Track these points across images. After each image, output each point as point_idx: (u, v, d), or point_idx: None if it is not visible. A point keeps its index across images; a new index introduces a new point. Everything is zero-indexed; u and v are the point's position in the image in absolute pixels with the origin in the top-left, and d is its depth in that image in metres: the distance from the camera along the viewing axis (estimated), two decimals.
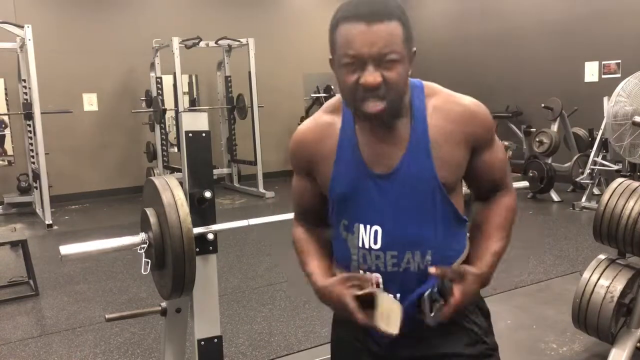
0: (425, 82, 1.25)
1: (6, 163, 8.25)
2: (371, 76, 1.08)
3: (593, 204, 5.90)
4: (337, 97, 1.27)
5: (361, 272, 1.24)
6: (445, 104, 1.22)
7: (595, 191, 6.49)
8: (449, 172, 1.20)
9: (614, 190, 2.68)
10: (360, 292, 1.16)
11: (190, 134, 1.94)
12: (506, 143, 7.54)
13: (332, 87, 9.75)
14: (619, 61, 7.45)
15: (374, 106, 1.11)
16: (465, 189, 1.36)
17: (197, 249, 1.87)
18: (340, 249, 1.30)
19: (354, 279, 1.19)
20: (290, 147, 1.39)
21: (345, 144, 1.24)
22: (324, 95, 9.64)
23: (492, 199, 1.33)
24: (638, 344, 2.65)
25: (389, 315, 1.15)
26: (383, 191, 1.21)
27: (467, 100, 1.24)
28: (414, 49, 1.15)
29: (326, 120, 1.29)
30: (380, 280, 1.21)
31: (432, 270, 1.17)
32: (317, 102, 9.74)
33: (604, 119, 5.68)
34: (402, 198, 1.20)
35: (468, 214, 1.34)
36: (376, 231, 1.22)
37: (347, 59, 1.10)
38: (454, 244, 1.27)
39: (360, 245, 1.23)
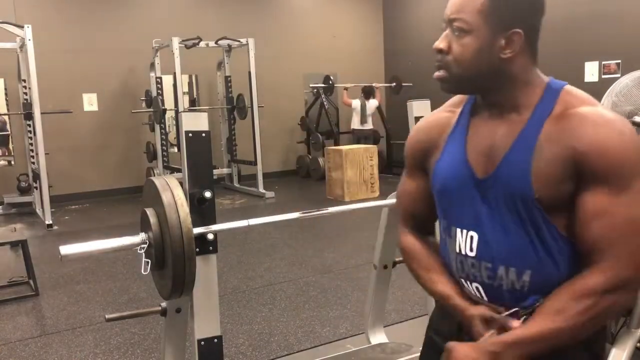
0: (570, 88, 1.10)
1: (6, 163, 8.25)
2: (439, 40, 1.09)
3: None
4: (460, 95, 1.23)
5: (462, 280, 1.16)
6: (574, 115, 1.03)
7: None
8: (546, 187, 1.02)
9: None
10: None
11: (190, 134, 1.94)
12: None
13: (331, 77, 9.69)
14: (619, 61, 7.45)
15: (435, 74, 1.11)
16: None
17: (197, 249, 1.86)
18: (444, 253, 1.22)
19: (495, 322, 1.08)
20: (406, 144, 1.30)
21: (455, 137, 1.17)
22: (323, 85, 9.59)
23: (581, 276, 1.03)
24: (638, 344, 2.65)
25: None
26: (481, 194, 1.11)
27: (601, 117, 1.02)
28: (515, 29, 1.04)
29: (445, 114, 1.23)
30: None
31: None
32: (317, 101, 9.75)
33: None
34: (499, 204, 1.08)
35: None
36: (472, 237, 1.12)
37: (442, 22, 1.12)
38: (559, 273, 1.07)
39: (458, 250, 1.15)
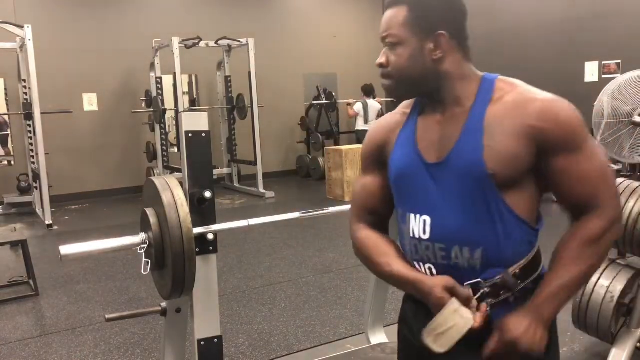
0: (502, 77, 1.23)
1: (6, 163, 8.25)
2: (380, 57, 1.23)
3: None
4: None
5: (416, 263, 1.24)
6: (515, 96, 1.16)
7: None
8: (500, 163, 1.12)
9: None
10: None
11: (190, 134, 1.94)
12: None
13: (333, 94, 9.78)
14: (619, 61, 7.45)
15: (382, 83, 1.25)
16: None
17: (197, 249, 1.86)
18: (400, 240, 1.30)
19: (459, 292, 1.14)
20: (363, 143, 1.40)
21: (406, 131, 1.28)
22: (326, 102, 9.66)
23: (578, 222, 1.17)
24: (638, 344, 2.65)
25: (448, 329, 1.10)
26: (433, 180, 1.20)
27: (543, 95, 1.16)
28: (440, 31, 1.17)
29: (397, 115, 1.34)
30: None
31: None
32: (316, 107, 9.77)
33: (603, 119, 5.68)
34: (450, 188, 1.17)
35: (538, 220, 1.21)
36: (425, 221, 1.21)
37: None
38: (511, 248, 1.17)
39: (412, 235, 1.23)
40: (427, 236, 1.20)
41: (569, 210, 1.19)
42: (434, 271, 1.21)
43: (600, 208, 1.14)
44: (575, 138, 1.13)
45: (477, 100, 1.18)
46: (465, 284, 1.16)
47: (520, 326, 1.12)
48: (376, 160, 1.34)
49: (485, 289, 1.15)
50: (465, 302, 1.13)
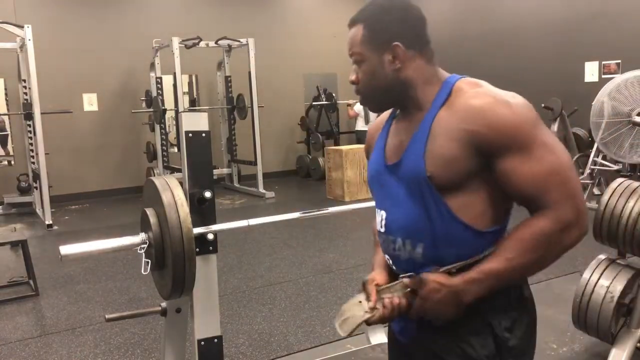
0: (466, 79, 1.23)
1: (6, 163, 8.25)
2: (351, 74, 1.29)
3: (593, 204, 5.89)
4: None
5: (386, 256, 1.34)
6: (464, 99, 1.17)
7: (595, 191, 6.49)
8: (437, 167, 1.16)
9: (614, 190, 2.68)
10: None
11: (190, 134, 1.94)
12: None
13: (334, 95, 9.80)
14: (619, 61, 7.45)
15: (360, 99, 1.31)
16: None
17: (197, 249, 1.86)
18: None
19: (365, 288, 1.28)
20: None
21: (382, 135, 1.37)
22: (326, 102, 9.68)
23: (528, 218, 1.17)
24: (638, 344, 2.65)
25: (348, 317, 1.25)
26: (389, 179, 1.29)
27: (486, 97, 1.15)
28: (394, 43, 1.20)
29: (384, 116, 1.43)
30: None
31: (404, 280, 1.23)
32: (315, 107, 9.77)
33: (604, 119, 5.69)
34: (400, 187, 1.25)
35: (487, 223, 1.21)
36: (382, 215, 1.31)
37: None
38: (453, 249, 1.20)
39: (378, 228, 1.35)
40: (383, 229, 1.31)
41: (528, 207, 1.18)
42: (390, 262, 1.33)
43: (550, 209, 1.12)
44: (516, 140, 1.11)
45: (433, 103, 1.22)
46: (401, 276, 1.24)
47: (432, 301, 1.18)
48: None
49: (405, 279, 1.22)
50: (369, 297, 1.25)
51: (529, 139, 1.12)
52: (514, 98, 1.15)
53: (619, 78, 5.70)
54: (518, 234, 1.15)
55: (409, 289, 1.21)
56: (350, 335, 1.27)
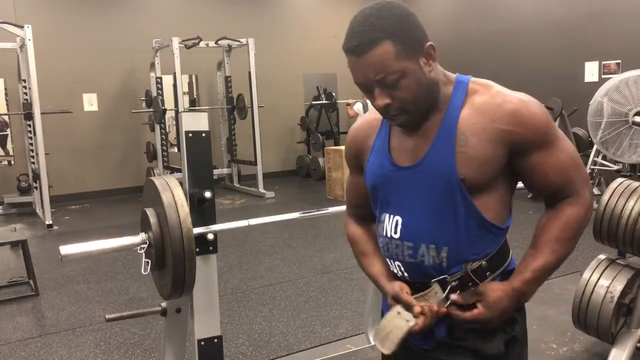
0: (475, 79, 1.23)
1: (6, 163, 8.25)
2: (379, 99, 1.17)
3: (593, 204, 5.90)
4: None
5: (387, 259, 1.31)
6: (486, 99, 1.18)
7: (595, 191, 6.49)
8: (471, 168, 1.15)
9: (614, 190, 2.68)
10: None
11: (190, 134, 1.94)
12: None
13: (333, 94, 9.80)
14: (619, 61, 7.45)
15: (396, 122, 1.21)
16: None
17: (197, 249, 1.87)
18: (379, 238, 1.36)
19: (401, 299, 1.22)
20: (345, 145, 1.46)
21: (380, 137, 1.31)
22: (325, 102, 9.67)
23: (555, 208, 1.23)
24: (638, 344, 2.65)
25: (391, 331, 1.19)
26: (406, 183, 1.24)
27: (513, 97, 1.17)
28: (428, 44, 1.16)
29: (373, 117, 1.35)
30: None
31: (453, 297, 1.20)
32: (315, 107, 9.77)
33: (603, 119, 5.69)
34: (422, 190, 1.21)
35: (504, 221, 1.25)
36: (397, 221, 1.26)
37: (357, 85, 1.21)
38: (476, 248, 1.21)
39: (385, 234, 1.29)
40: (397, 235, 1.25)
41: (546, 199, 1.25)
42: (402, 268, 1.27)
43: (576, 195, 1.21)
44: (546, 136, 1.17)
45: (451, 104, 1.20)
46: (432, 280, 1.22)
47: (498, 310, 1.18)
48: (355, 164, 1.41)
49: (453, 283, 1.21)
50: (408, 308, 1.20)
51: (553, 134, 1.19)
52: (530, 98, 1.19)
53: (616, 78, 5.72)
54: (556, 224, 1.21)
55: (444, 295, 1.20)
56: (393, 350, 1.20)
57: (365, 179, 1.34)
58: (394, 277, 1.30)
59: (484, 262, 1.21)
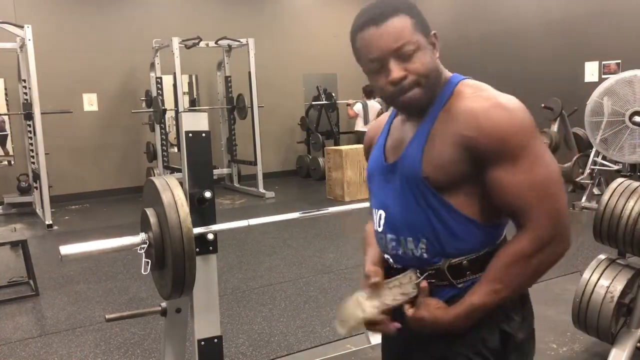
0: (467, 81, 1.22)
1: (6, 163, 8.25)
2: (395, 72, 1.15)
3: (593, 204, 5.91)
4: None
5: (386, 256, 1.33)
6: (465, 103, 1.15)
7: (595, 191, 6.49)
8: (434, 169, 1.17)
9: (614, 190, 2.68)
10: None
11: (190, 134, 1.94)
12: None
13: (333, 95, 9.80)
14: (619, 61, 7.45)
15: (410, 94, 1.17)
16: None
17: (197, 249, 1.86)
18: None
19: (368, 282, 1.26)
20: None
21: (383, 133, 1.36)
22: (325, 102, 9.68)
23: (510, 241, 1.17)
24: (638, 344, 2.65)
25: (345, 320, 1.26)
26: (388, 178, 1.29)
27: (482, 102, 1.13)
28: (433, 32, 1.19)
29: (385, 116, 1.42)
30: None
31: (422, 284, 1.23)
32: (316, 107, 9.77)
33: (604, 119, 5.69)
34: (400, 186, 1.25)
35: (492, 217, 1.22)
36: (381, 215, 1.30)
37: (372, 64, 1.18)
38: (459, 243, 1.20)
39: (375, 228, 1.34)
40: (381, 229, 1.30)
41: (513, 220, 1.18)
42: (391, 260, 1.31)
43: (530, 227, 1.12)
44: (509, 148, 1.09)
45: (434, 105, 1.20)
46: (431, 266, 1.24)
47: (421, 323, 1.20)
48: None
49: (431, 271, 1.23)
50: (372, 289, 1.24)
51: (520, 148, 1.09)
52: (512, 102, 1.13)
53: (613, 78, 5.72)
54: (501, 258, 1.15)
55: (417, 282, 1.23)
56: (347, 332, 1.29)
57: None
58: (387, 267, 1.33)
59: (465, 261, 1.20)
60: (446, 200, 1.18)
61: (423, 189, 1.20)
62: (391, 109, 1.37)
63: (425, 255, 1.23)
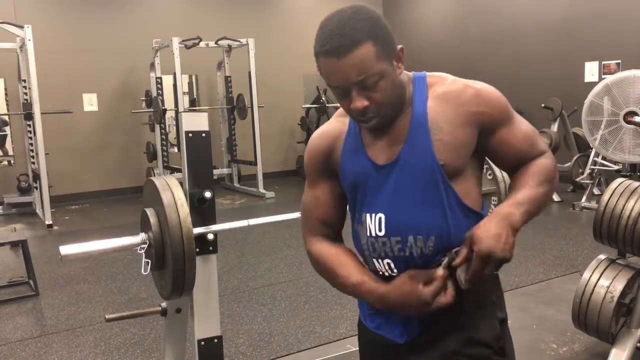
0: (430, 73, 1.28)
1: (6, 163, 8.25)
2: (358, 102, 1.17)
3: (593, 204, 5.91)
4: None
5: (374, 260, 1.29)
6: (447, 89, 1.24)
7: (595, 191, 6.49)
8: (449, 153, 1.20)
9: (614, 190, 2.68)
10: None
11: (190, 134, 1.95)
12: None
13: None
14: (619, 61, 7.45)
15: (370, 124, 1.22)
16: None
17: (197, 249, 1.87)
18: (356, 243, 1.35)
19: (420, 275, 1.20)
20: (305, 156, 1.41)
21: (351, 139, 1.31)
22: (328, 105, 9.66)
23: (525, 165, 1.29)
24: (638, 344, 2.65)
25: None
26: (385, 180, 1.26)
27: (474, 83, 1.25)
28: (399, 47, 1.19)
29: (336, 123, 1.36)
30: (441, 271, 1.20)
31: (457, 260, 1.18)
32: (317, 107, 9.75)
33: (603, 119, 5.69)
34: (402, 184, 1.24)
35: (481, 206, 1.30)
36: (380, 218, 1.26)
37: (333, 89, 1.21)
38: (459, 234, 1.21)
39: (369, 234, 1.28)
40: (382, 232, 1.25)
41: (513, 170, 1.31)
42: (392, 265, 1.26)
43: (542, 154, 1.30)
44: (508, 113, 1.27)
45: (415, 99, 1.24)
46: (434, 263, 1.22)
47: (491, 236, 1.13)
48: (323, 169, 1.36)
49: (453, 253, 1.18)
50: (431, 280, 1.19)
51: (512, 111, 1.29)
52: (484, 83, 1.27)
53: (609, 78, 5.73)
54: (530, 170, 1.27)
55: (444, 267, 1.19)
56: None
57: (343, 180, 1.33)
58: (381, 277, 1.28)
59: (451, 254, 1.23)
60: (455, 190, 1.23)
61: (437, 179, 1.21)
62: (345, 114, 1.33)
63: (432, 252, 1.23)
